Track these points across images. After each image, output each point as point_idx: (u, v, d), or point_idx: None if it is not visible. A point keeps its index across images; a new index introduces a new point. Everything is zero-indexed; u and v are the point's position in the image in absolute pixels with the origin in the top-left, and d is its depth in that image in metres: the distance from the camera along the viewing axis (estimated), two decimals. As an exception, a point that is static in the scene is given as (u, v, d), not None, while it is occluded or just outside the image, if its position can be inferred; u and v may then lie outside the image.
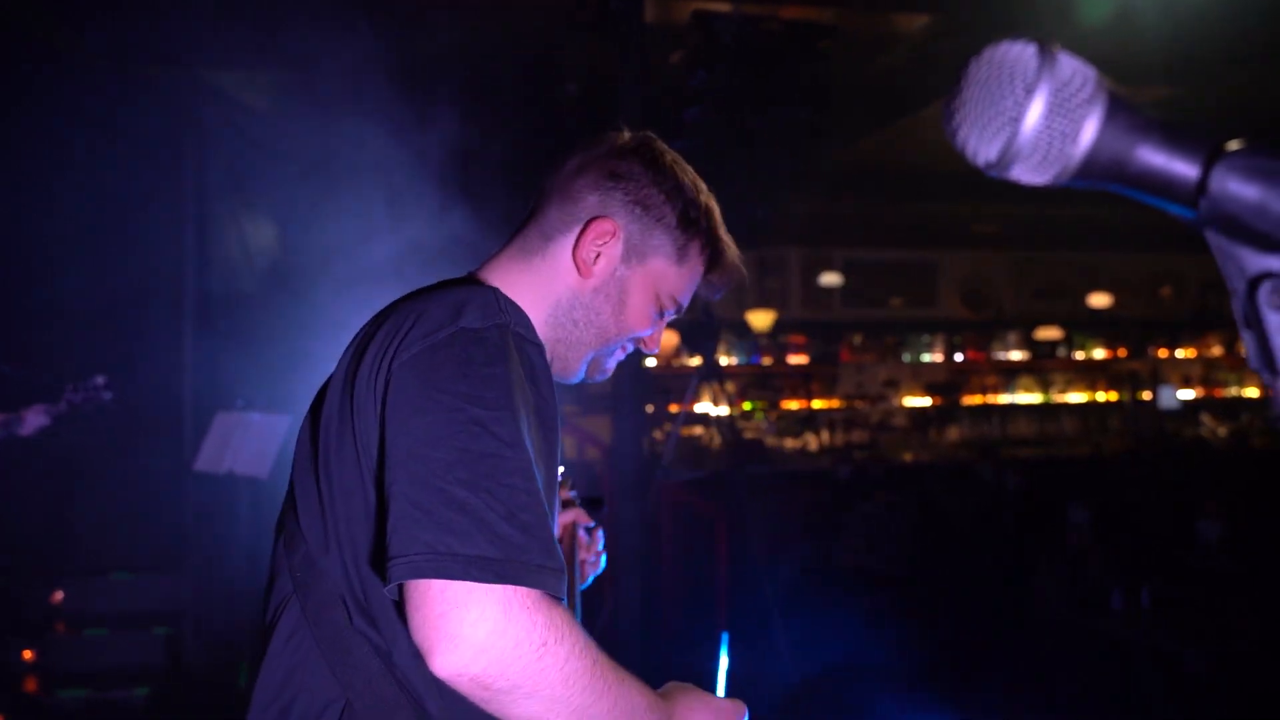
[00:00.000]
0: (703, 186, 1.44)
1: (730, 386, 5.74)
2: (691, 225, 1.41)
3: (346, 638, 1.19)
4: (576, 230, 1.37)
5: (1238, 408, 11.26)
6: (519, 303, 1.31)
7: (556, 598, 1.07)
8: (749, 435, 8.99)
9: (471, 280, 1.37)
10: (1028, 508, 7.34)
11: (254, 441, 4.70)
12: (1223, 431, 10.75)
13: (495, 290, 1.24)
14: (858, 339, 10.72)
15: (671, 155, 1.42)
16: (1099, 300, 11.02)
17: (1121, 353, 11.28)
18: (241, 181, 5.93)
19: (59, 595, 5.03)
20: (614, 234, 1.36)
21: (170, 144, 5.71)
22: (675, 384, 9.52)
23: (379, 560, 1.11)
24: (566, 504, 1.87)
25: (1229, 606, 5.06)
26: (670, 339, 9.72)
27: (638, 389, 5.08)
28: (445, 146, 4.84)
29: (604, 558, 1.92)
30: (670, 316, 1.46)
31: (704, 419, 9.11)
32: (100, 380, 4.19)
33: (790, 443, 9.88)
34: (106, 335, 5.12)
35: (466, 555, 1.03)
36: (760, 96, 4.99)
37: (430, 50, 5.64)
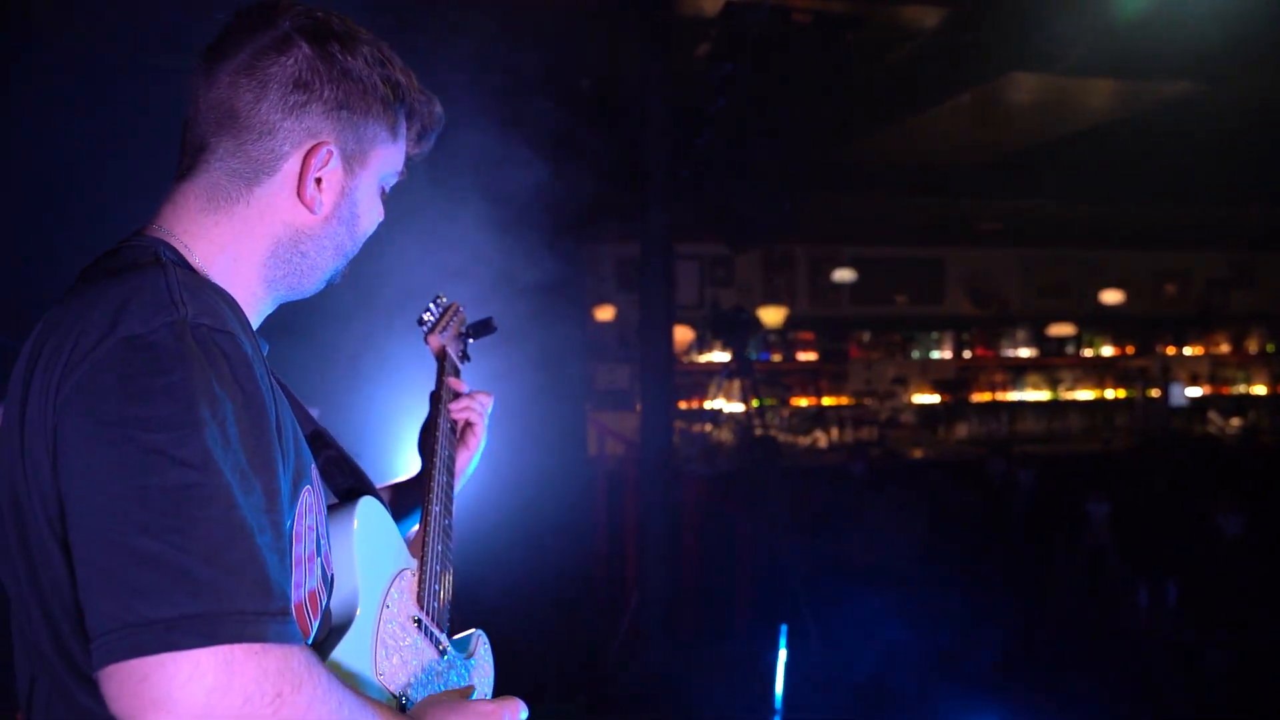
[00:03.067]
0: (383, 45, 1.24)
1: (747, 384, 5.71)
2: (396, 98, 1.23)
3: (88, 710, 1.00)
4: (285, 168, 1.16)
5: (1245, 405, 11.27)
6: (229, 259, 1.15)
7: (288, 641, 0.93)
8: (761, 432, 8.97)
9: (145, 246, 1.13)
10: (1041, 504, 7.32)
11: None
12: (1232, 427, 10.77)
13: (165, 268, 1.04)
14: (866, 336, 10.71)
15: (338, 19, 1.20)
16: (1111, 297, 11.02)
17: (1129, 350, 11.29)
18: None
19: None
20: (331, 155, 1.18)
21: (178, 132, 5.66)
22: (685, 381, 9.50)
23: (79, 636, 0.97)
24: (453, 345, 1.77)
25: (1255, 601, 5.05)
26: (682, 335, 9.69)
27: (665, 386, 5.05)
28: (458, 143, 4.79)
29: (488, 416, 1.70)
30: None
31: (715, 416, 9.09)
32: None
33: (800, 440, 9.87)
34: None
35: (166, 619, 0.86)
36: (786, 89, 4.97)
37: (445, 44, 5.61)
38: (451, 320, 1.80)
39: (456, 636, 1.47)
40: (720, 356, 9.59)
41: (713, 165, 5.19)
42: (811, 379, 10.41)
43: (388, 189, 1.29)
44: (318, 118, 1.16)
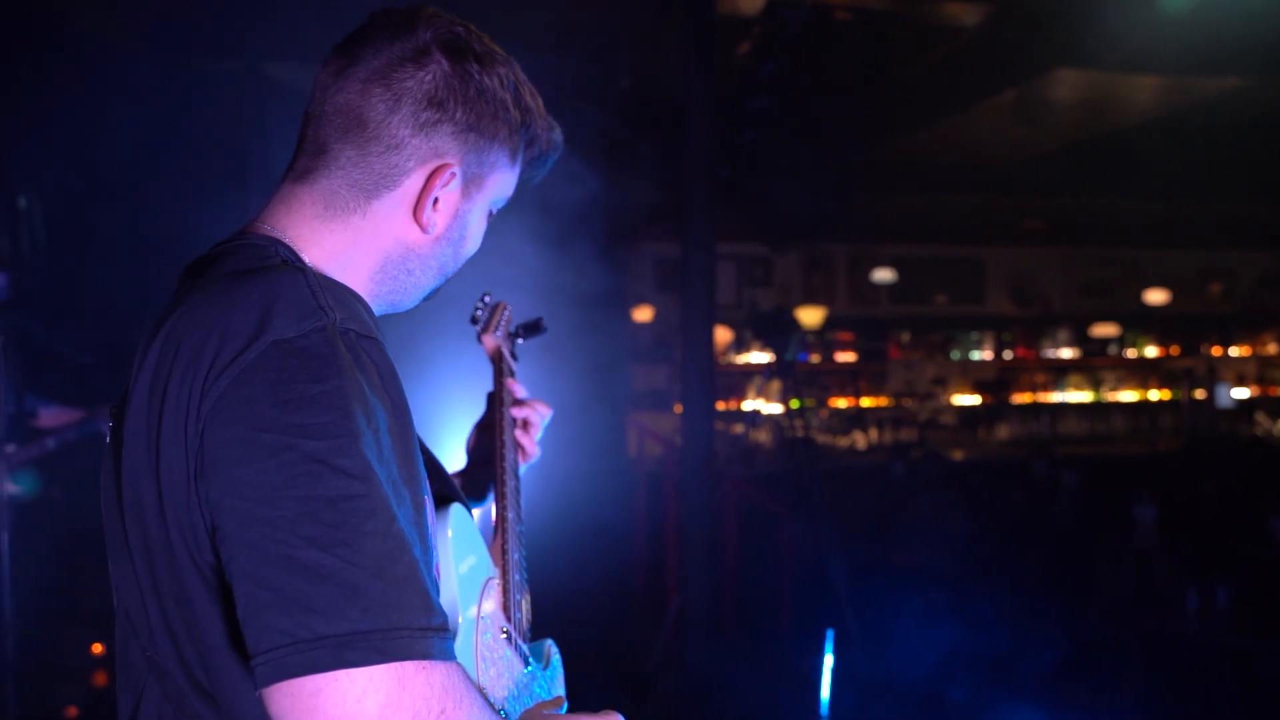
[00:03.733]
0: (516, 66, 1.20)
1: (788, 384, 5.68)
2: (524, 125, 1.20)
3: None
4: (406, 184, 1.12)
5: (1294, 406, 11.09)
6: (338, 268, 1.12)
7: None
8: (800, 433, 8.95)
9: (263, 247, 1.10)
10: (1086, 506, 7.23)
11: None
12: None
13: (305, 273, 1.01)
14: (906, 336, 10.63)
15: (478, 40, 1.16)
16: (1155, 297, 10.87)
17: (1174, 350, 11.13)
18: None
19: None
20: (453, 177, 1.14)
21: (234, 140, 5.71)
22: (723, 382, 9.48)
23: (225, 650, 0.95)
24: (505, 346, 1.72)
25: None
26: (720, 336, 9.67)
27: (706, 388, 5.02)
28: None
29: (545, 425, 1.66)
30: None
31: (754, 416, 9.05)
32: None
33: (839, 441, 9.81)
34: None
35: (338, 635, 0.85)
36: (828, 88, 4.94)
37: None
38: (501, 320, 1.78)
39: (530, 647, 1.45)
40: (758, 357, 9.56)
41: (754, 165, 5.17)
42: (850, 380, 10.35)
43: (495, 212, 1.26)
44: (446, 138, 1.13)
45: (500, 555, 1.42)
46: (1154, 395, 11.01)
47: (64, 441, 4.08)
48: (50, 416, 4.24)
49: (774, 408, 8.30)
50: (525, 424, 1.64)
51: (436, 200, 1.14)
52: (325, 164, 1.13)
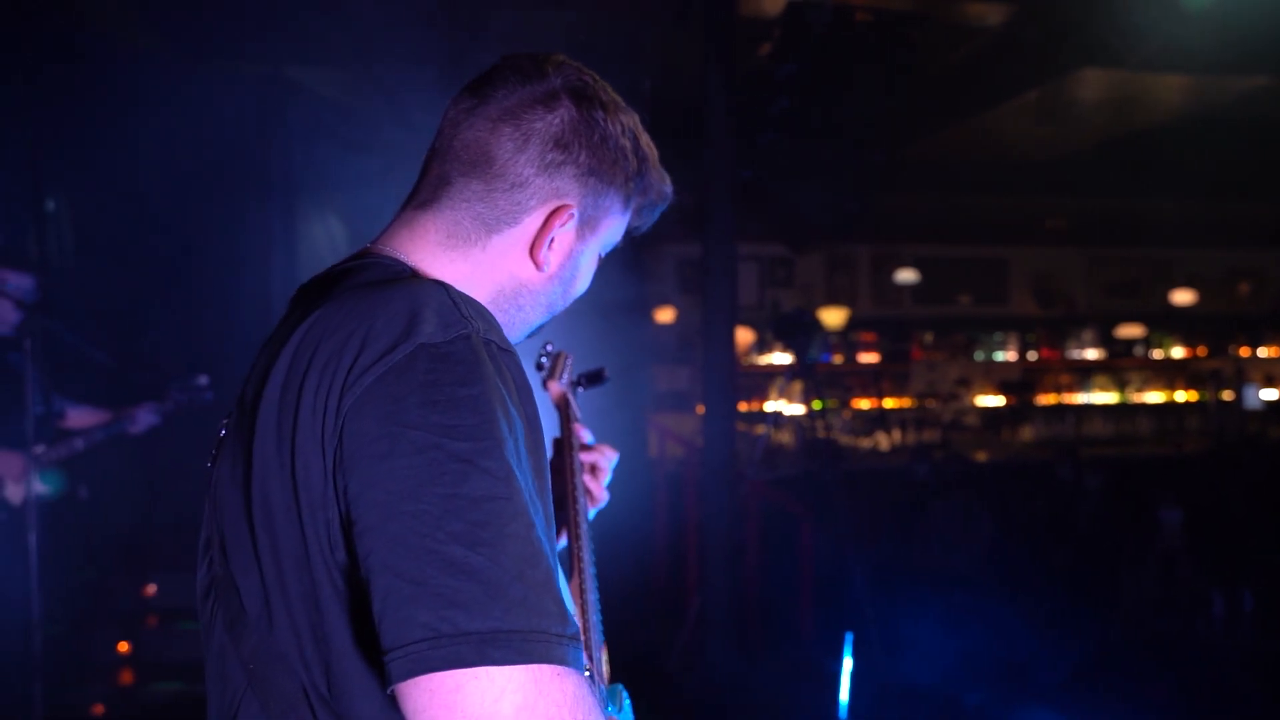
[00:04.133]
0: (638, 120, 1.24)
1: (809, 386, 5.67)
2: (638, 174, 1.23)
3: None
4: (526, 221, 1.16)
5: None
6: None
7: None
8: (822, 434, 8.93)
9: (395, 265, 1.14)
10: (1111, 509, 7.18)
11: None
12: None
13: (446, 287, 1.04)
14: (929, 337, 10.58)
15: (604, 90, 1.20)
16: (1181, 297, 10.77)
17: (1201, 351, 11.02)
18: (327, 177, 5.97)
19: (151, 589, 5.09)
20: (571, 218, 1.18)
21: (257, 141, 5.76)
22: (745, 383, 9.46)
23: (349, 651, 0.95)
24: (564, 399, 1.74)
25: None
26: (742, 337, 9.66)
27: (727, 389, 5.02)
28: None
29: (606, 498, 1.67)
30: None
31: (776, 418, 9.04)
32: (204, 380, 4.22)
33: (862, 442, 9.78)
34: (195, 332, 5.18)
35: (480, 632, 0.84)
36: (849, 88, 4.92)
37: (506, 45, 5.65)
38: (563, 368, 1.81)
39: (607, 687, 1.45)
40: (781, 358, 9.54)
41: (776, 166, 5.16)
42: (873, 380, 10.31)
43: (604, 255, 1.30)
44: (568, 179, 1.16)
45: (579, 595, 1.43)
46: (1180, 397, 10.91)
47: (91, 442, 4.13)
48: (78, 417, 4.29)
49: (796, 409, 8.28)
50: (594, 469, 1.66)
51: (553, 240, 1.18)
52: (450, 196, 1.16)
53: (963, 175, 8.58)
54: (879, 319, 10.43)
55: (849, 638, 2.58)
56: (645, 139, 1.25)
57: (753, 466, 5.72)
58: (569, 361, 1.85)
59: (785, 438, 8.82)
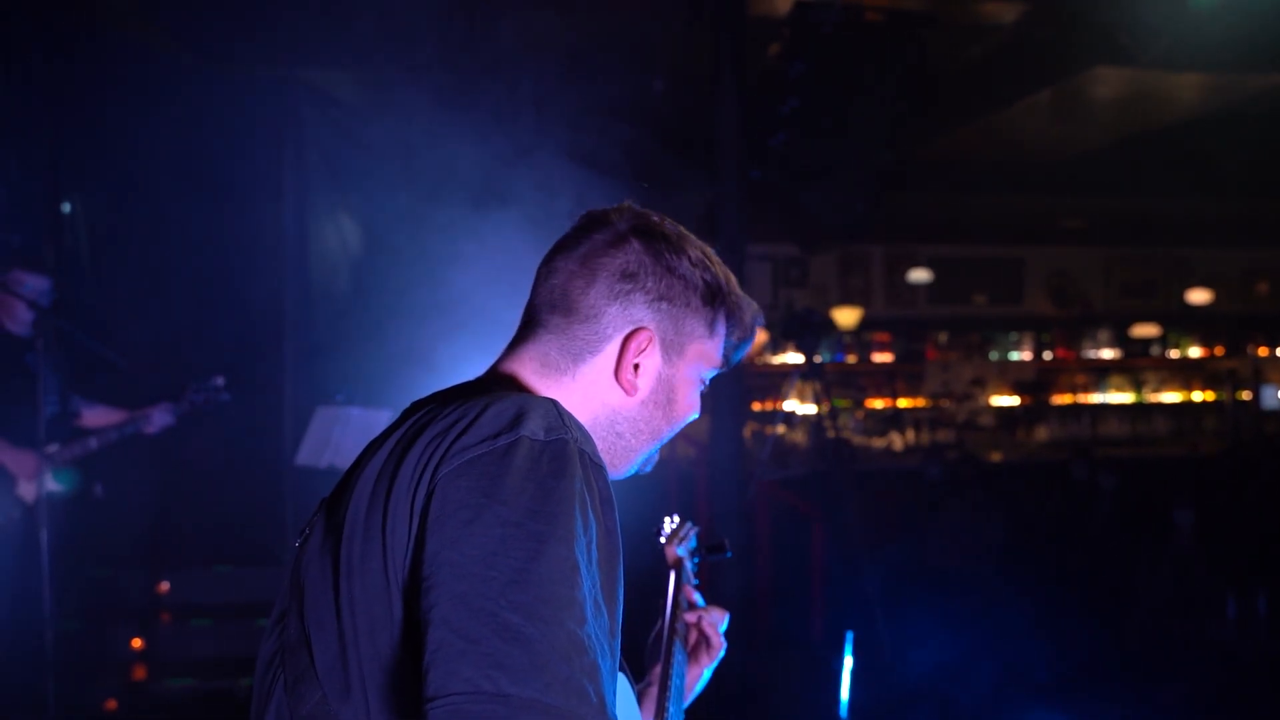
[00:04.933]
0: (708, 249, 1.34)
1: (818, 386, 5.66)
2: (714, 297, 1.31)
3: None
4: (608, 349, 1.25)
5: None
6: None
7: None
8: (834, 434, 8.94)
9: (507, 383, 1.25)
10: (1125, 509, 7.14)
11: (354, 435, 4.74)
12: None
13: (556, 402, 1.11)
14: (943, 337, 10.55)
15: (670, 225, 1.31)
16: (1198, 296, 10.70)
17: (1218, 351, 10.94)
18: (340, 180, 6.00)
19: (164, 586, 5.13)
20: (650, 341, 1.26)
21: (270, 143, 5.80)
22: (758, 382, 9.46)
23: (406, 706, 0.98)
24: (678, 564, 1.82)
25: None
26: (757, 337, 9.65)
27: (736, 388, 5.02)
28: (534, 144, 4.82)
29: (723, 649, 1.74)
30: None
31: (790, 418, 9.03)
32: (220, 380, 4.27)
33: (875, 442, 9.75)
34: (210, 332, 5.22)
35: (520, 698, 0.87)
36: (860, 88, 4.91)
37: (519, 47, 5.66)
38: (685, 535, 1.91)
39: None
40: (794, 358, 9.53)
41: (786, 166, 5.16)
42: (887, 380, 10.29)
43: (706, 381, 1.36)
44: (641, 307, 1.25)
45: None
46: (1197, 397, 10.83)
47: (106, 442, 4.18)
48: (93, 417, 4.34)
49: (809, 409, 8.27)
50: (703, 635, 1.73)
51: (638, 366, 1.26)
52: (540, 333, 1.28)
53: (978, 175, 8.54)
54: (893, 319, 10.40)
55: (849, 636, 2.59)
56: (720, 267, 1.34)
57: (761, 466, 5.71)
58: (692, 531, 1.95)
59: (799, 438, 8.81)
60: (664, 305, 1.26)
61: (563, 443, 1.03)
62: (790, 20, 4.92)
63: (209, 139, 5.27)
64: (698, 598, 1.75)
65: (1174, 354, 10.95)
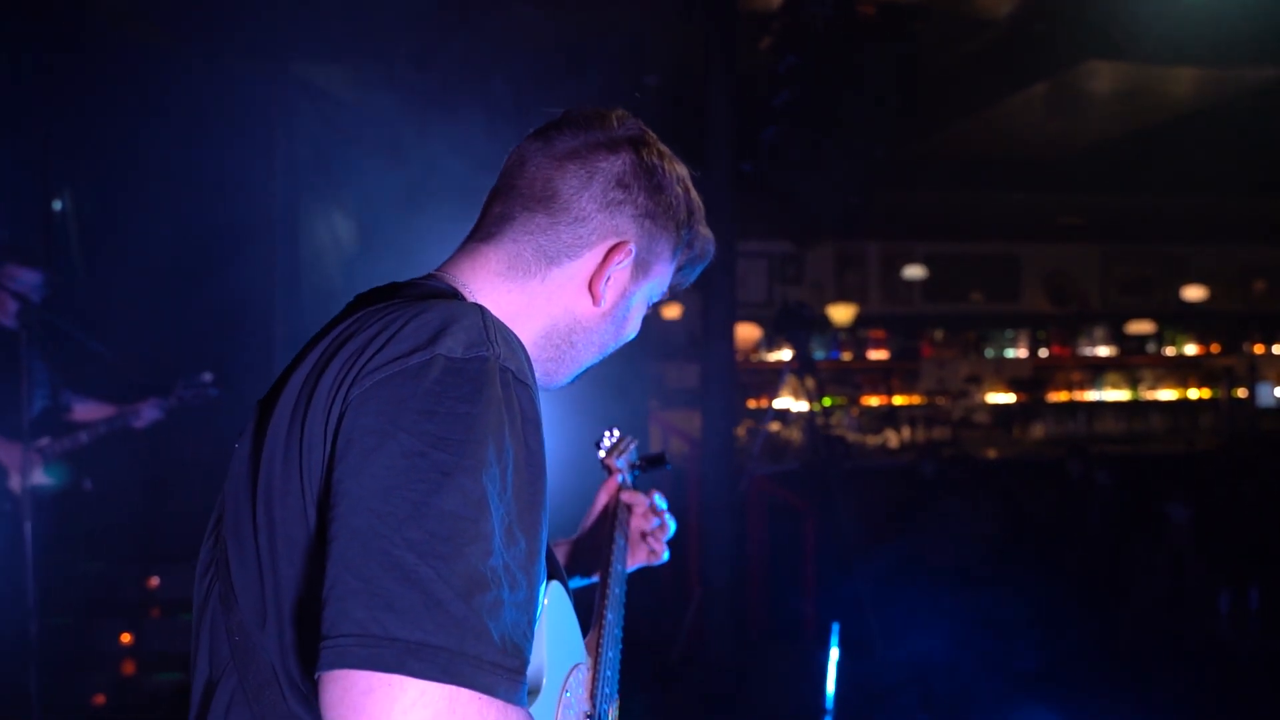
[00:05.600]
0: (688, 174, 1.33)
1: (810, 381, 5.65)
2: (687, 225, 1.31)
3: (292, 713, 1.01)
4: (587, 256, 1.22)
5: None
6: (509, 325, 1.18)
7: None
8: (825, 430, 8.94)
9: (448, 289, 1.19)
10: (1120, 506, 7.13)
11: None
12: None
13: (484, 311, 1.05)
14: (939, 334, 10.54)
15: (660, 143, 1.30)
16: (1194, 294, 10.69)
17: (1215, 348, 10.93)
18: (331, 174, 5.99)
19: (154, 581, 5.12)
20: (629, 256, 1.24)
21: (261, 137, 5.79)
22: (753, 380, 9.45)
23: (313, 634, 0.95)
24: (621, 477, 1.84)
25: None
26: (748, 333, 9.64)
27: (726, 383, 5.01)
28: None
29: (669, 536, 1.77)
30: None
31: (784, 415, 9.02)
32: (208, 377, 4.27)
33: (871, 439, 9.74)
34: (200, 328, 5.21)
35: (407, 641, 0.85)
36: (852, 81, 4.90)
37: (509, 41, 5.66)
38: (625, 449, 1.91)
39: None
40: (788, 354, 9.53)
41: (777, 159, 5.15)
42: (883, 377, 10.28)
43: (650, 304, 1.35)
44: (627, 219, 1.23)
45: (594, 649, 1.47)
46: (1193, 394, 10.83)
47: (96, 435, 4.18)
48: (84, 411, 4.34)
49: (803, 406, 8.27)
50: (656, 534, 1.76)
51: (610, 276, 1.24)
52: (513, 229, 1.23)
53: (975, 172, 8.54)
54: (889, 316, 10.40)
55: (835, 628, 2.58)
56: (695, 194, 1.32)
57: (753, 461, 5.70)
58: (630, 444, 1.95)
59: (795, 435, 8.81)
60: (647, 222, 1.25)
61: (481, 361, 0.98)
62: (782, 13, 4.91)
63: (200, 133, 5.26)
64: (642, 500, 1.77)
65: (1170, 351, 10.94)
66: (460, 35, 5.50)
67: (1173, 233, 10.58)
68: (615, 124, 1.26)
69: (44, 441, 4.01)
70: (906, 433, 9.93)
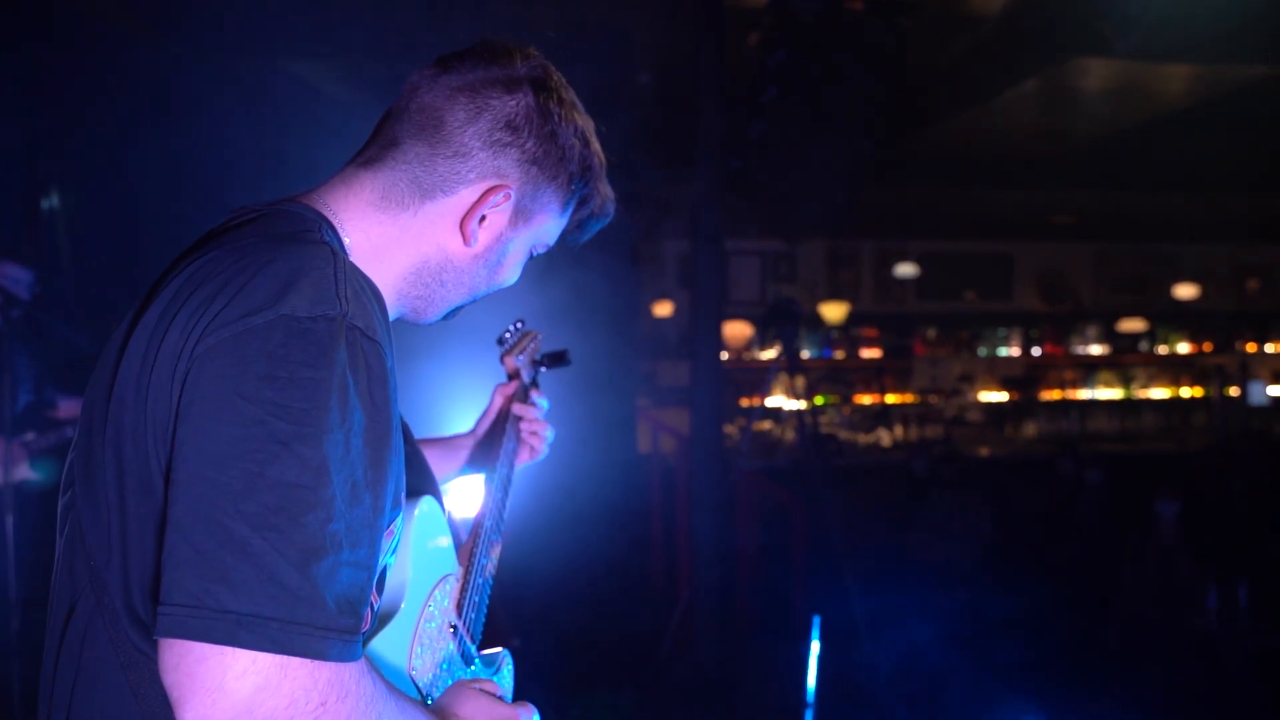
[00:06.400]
0: (590, 126, 1.28)
1: (801, 380, 5.65)
2: (582, 178, 1.26)
3: (130, 655, 1.02)
4: (462, 193, 1.18)
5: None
6: (375, 259, 1.16)
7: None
8: (813, 428, 8.95)
9: (307, 219, 1.13)
10: (1111, 504, 7.14)
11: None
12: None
13: (336, 259, 1.03)
14: (932, 333, 10.54)
15: (565, 89, 1.24)
16: (1185, 292, 10.71)
17: (1207, 347, 10.95)
18: (319, 172, 5.97)
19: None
20: (506, 200, 1.20)
21: (249, 134, 5.78)
22: (745, 378, 9.45)
23: (153, 585, 0.96)
24: (520, 376, 1.83)
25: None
26: (740, 331, 9.64)
27: (715, 381, 5.01)
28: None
29: (549, 442, 1.78)
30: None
31: (776, 414, 9.01)
32: None
33: (863, 437, 9.75)
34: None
35: (238, 613, 0.87)
36: (840, 77, 4.90)
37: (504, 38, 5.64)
38: (528, 345, 1.88)
39: (485, 652, 1.47)
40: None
41: (766, 156, 5.15)
42: (875, 376, 10.28)
43: (535, 254, 1.32)
44: (511, 163, 1.19)
45: (467, 557, 1.46)
46: (1185, 392, 10.84)
47: (81, 431, 4.16)
48: (69, 408, 4.34)
49: (794, 404, 8.28)
50: (533, 434, 1.77)
51: (484, 217, 1.20)
52: (393, 156, 1.19)
53: (968, 171, 8.54)
54: (882, 314, 10.40)
55: (816, 621, 2.58)
56: (596, 148, 1.28)
57: (741, 458, 5.70)
58: (536, 341, 1.92)
59: (786, 433, 8.80)
60: (533, 170, 1.20)
61: (328, 320, 0.96)
62: (771, 8, 4.91)
63: (188, 129, 5.25)
64: (530, 411, 1.76)
65: (1162, 350, 10.95)
66: (450, 30, 5.49)
67: (1165, 231, 10.60)
68: (519, 61, 1.21)
69: (29, 436, 4.01)
70: (899, 431, 9.94)
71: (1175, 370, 10.94)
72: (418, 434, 1.82)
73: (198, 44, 5.48)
